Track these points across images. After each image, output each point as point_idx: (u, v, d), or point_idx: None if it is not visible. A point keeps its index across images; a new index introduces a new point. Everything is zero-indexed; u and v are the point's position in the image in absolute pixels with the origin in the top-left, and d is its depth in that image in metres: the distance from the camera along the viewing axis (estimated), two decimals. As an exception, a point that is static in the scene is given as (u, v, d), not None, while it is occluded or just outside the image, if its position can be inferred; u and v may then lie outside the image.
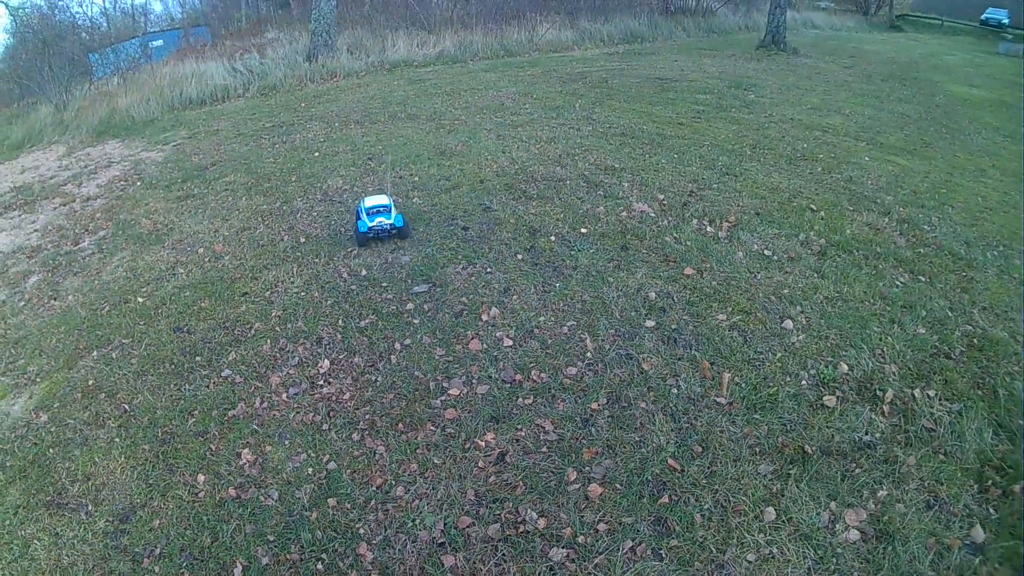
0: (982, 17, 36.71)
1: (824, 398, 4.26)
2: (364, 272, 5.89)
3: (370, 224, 6.17)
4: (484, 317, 5.10)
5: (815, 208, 7.10)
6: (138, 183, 9.46)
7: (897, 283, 5.73)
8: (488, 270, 5.71)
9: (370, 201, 6.35)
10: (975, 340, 5.05)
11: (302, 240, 6.70)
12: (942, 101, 14.96)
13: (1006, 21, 35.63)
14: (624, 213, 6.67)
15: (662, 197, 7.07)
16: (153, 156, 10.92)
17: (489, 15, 22.13)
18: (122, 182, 9.70)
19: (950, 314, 5.37)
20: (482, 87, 13.59)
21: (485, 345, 4.82)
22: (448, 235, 6.36)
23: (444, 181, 7.73)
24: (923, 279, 5.86)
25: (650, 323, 4.93)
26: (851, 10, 37.91)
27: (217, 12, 34.84)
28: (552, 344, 4.78)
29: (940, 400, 4.34)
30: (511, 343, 4.82)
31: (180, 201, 8.39)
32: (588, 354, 4.66)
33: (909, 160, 9.69)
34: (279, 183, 8.40)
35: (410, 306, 5.35)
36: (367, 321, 5.25)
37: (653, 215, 6.65)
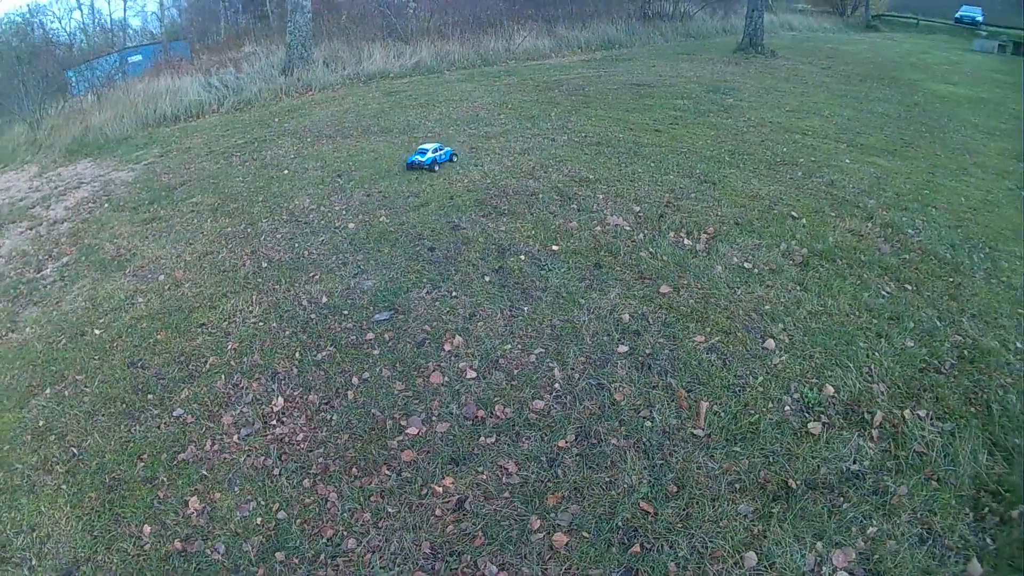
0: (956, 15, 37.21)
1: (809, 425, 3.99)
2: (325, 299, 5.59)
3: (411, 160, 8.48)
4: (447, 346, 4.79)
5: (796, 215, 6.85)
6: (106, 205, 9.14)
7: (883, 293, 5.48)
8: (453, 294, 5.41)
9: (421, 145, 8.78)
10: (965, 352, 4.82)
11: (264, 265, 6.38)
12: (921, 100, 14.79)
13: (980, 19, 36.38)
14: (598, 228, 6.39)
15: (638, 209, 6.80)
16: (123, 176, 10.59)
17: (466, 24, 21.91)
18: (90, 204, 9.39)
19: (939, 324, 5.13)
20: (457, 98, 13.32)
21: (447, 378, 4.51)
22: (413, 257, 6.05)
23: (413, 198, 7.44)
24: (909, 287, 5.62)
25: (623, 348, 4.63)
26: (827, 11, 38.05)
27: (196, 26, 34.54)
28: (518, 375, 4.47)
29: (931, 420, 4.10)
30: (474, 375, 4.51)
31: (145, 224, 8.07)
32: (556, 385, 4.36)
33: (890, 161, 9.47)
34: (245, 203, 8.09)
35: (370, 336, 5.04)
36: (325, 353, 4.94)
37: (628, 228, 6.37)
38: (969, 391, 4.39)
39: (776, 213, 6.88)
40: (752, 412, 4.06)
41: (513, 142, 9.44)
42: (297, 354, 4.98)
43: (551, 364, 4.52)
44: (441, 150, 8.62)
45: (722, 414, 4.05)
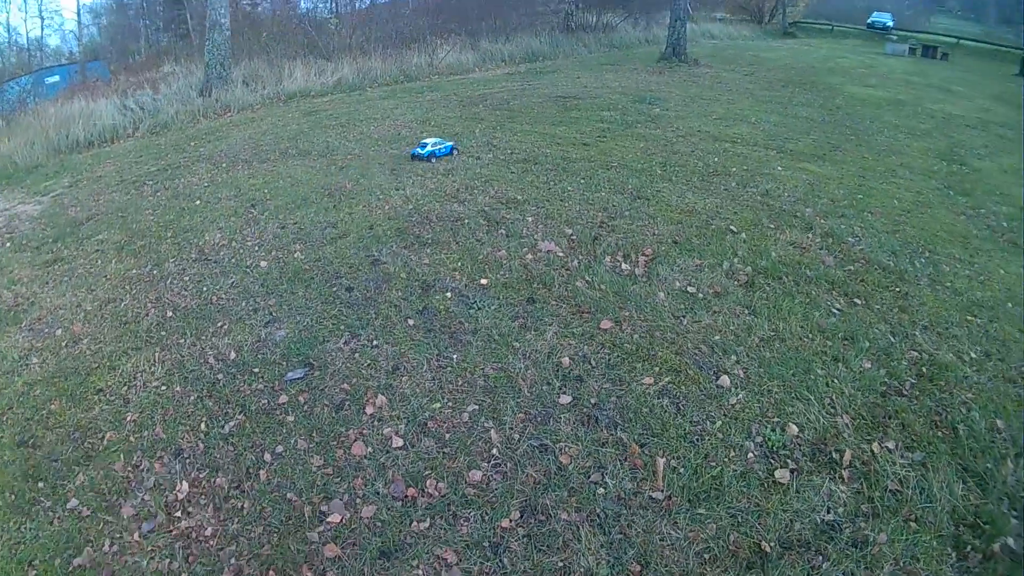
0: (868, 21, 40.82)
1: (776, 473, 3.61)
2: (233, 355, 4.94)
3: (413, 152, 9.38)
4: (369, 409, 4.20)
5: (735, 229, 6.56)
6: (8, 244, 8.20)
7: (833, 311, 5.21)
8: (374, 343, 4.83)
9: (423, 140, 9.64)
10: (924, 368, 4.59)
11: (169, 314, 5.68)
12: (842, 103, 14.98)
13: (890, 24, 39.98)
14: (529, 255, 5.93)
15: (570, 231, 6.39)
16: (29, 210, 9.62)
17: (389, 40, 21.56)
18: (-8, 243, 8.46)
19: (893, 340, 4.90)
20: (379, 116, 12.76)
21: (371, 448, 3.92)
22: (330, 299, 5.47)
23: (330, 229, 6.85)
24: (859, 302, 5.37)
25: (565, 399, 4.14)
26: (746, 19, 39.46)
27: (115, 45, 33.19)
28: (450, 439, 3.92)
29: (901, 451, 3.81)
30: (401, 443, 3.94)
31: (47, 267, 7.22)
32: (494, 450, 3.82)
33: (821, 166, 9.38)
34: (153, 240, 7.32)
35: (284, 399, 4.42)
36: (233, 423, 4.29)
37: (561, 254, 5.93)
38: (933, 412, 4.14)
39: (715, 228, 6.59)
40: (713, 464, 3.65)
41: (436, 162, 8.96)
42: (203, 425, 4.33)
43: (487, 424, 3.98)
44: (440, 144, 9.49)
45: (681, 470, 3.61)
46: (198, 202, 8.36)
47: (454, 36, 23.12)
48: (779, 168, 9.03)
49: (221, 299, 5.78)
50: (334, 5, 30.29)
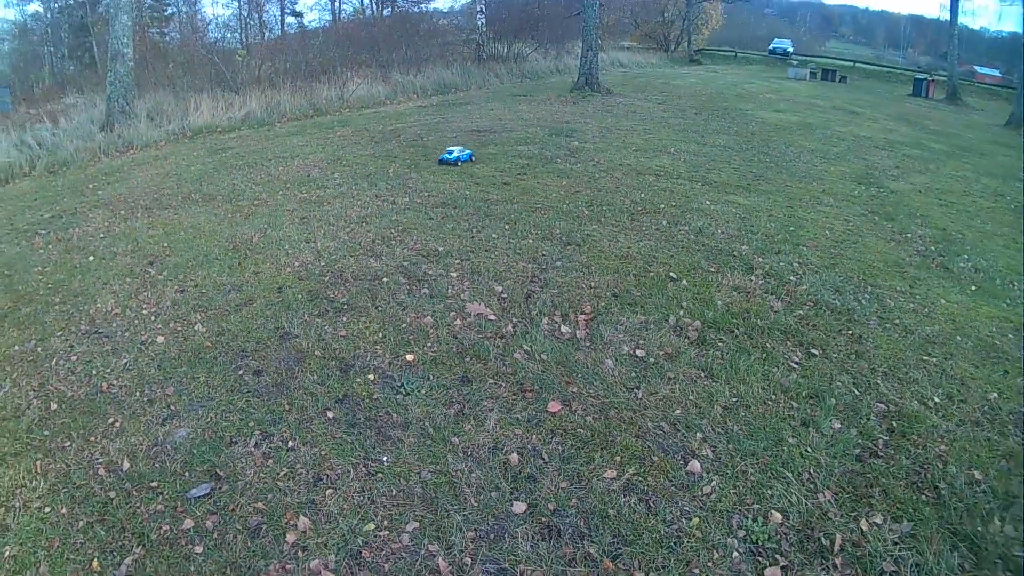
0: (769, 48, 45.01)
1: (766, 572, 3.10)
2: (127, 465, 4.02)
3: (442, 158, 10.68)
4: (290, 536, 3.40)
5: (675, 276, 6.17)
6: None
7: (792, 364, 4.83)
8: (290, 444, 4.06)
9: (448, 147, 11.05)
10: (893, 422, 4.24)
11: (54, 407, 4.65)
12: (756, 128, 15.10)
13: (790, 50, 44.29)
14: (457, 321, 5.32)
15: (500, 289, 5.84)
16: None
17: (298, 72, 21.08)
18: None
19: (857, 392, 4.54)
20: (288, 155, 12.00)
21: None
22: (236, 386, 4.68)
23: (235, 293, 6.09)
24: (816, 352, 5.02)
25: (520, 507, 3.49)
26: (652, 48, 40.76)
27: (17, 73, 31.16)
28: (391, 571, 3.16)
29: (889, 524, 3.38)
30: None
31: None
32: None
33: (748, 198, 9.19)
34: (40, 307, 6.22)
35: (188, 523, 3.55)
36: (132, 559, 3.36)
37: (493, 319, 5.35)
38: (912, 472, 3.78)
39: (653, 276, 6.17)
40: (697, 571, 3.10)
41: (349, 208, 8.31)
42: (95, 562, 3.38)
43: (432, 547, 3.26)
44: (463, 151, 10.83)
45: (664, 585, 3.06)
46: (91, 258, 7.37)
47: (365, 68, 22.69)
48: (707, 202, 8.77)
49: (112, 386, 4.86)
50: (243, 35, 29.49)
